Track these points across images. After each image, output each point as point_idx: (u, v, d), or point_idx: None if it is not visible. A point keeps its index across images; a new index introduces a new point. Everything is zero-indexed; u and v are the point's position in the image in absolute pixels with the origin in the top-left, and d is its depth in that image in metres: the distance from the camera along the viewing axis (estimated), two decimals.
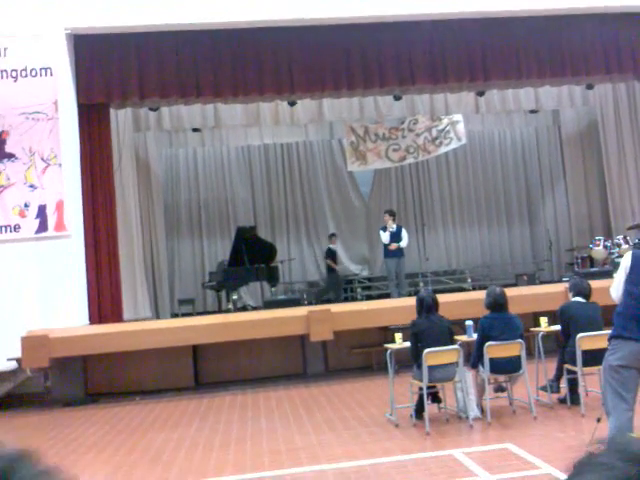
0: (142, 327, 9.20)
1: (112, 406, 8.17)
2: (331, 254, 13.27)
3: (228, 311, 11.26)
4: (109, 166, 10.41)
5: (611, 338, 4.06)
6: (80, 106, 9.93)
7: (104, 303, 9.96)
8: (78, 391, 8.56)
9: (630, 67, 11.08)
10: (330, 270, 13.24)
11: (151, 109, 11.56)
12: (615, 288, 4.18)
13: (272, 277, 12.00)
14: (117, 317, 10.00)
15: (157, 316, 12.14)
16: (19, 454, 0.63)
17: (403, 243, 11.39)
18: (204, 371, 9.14)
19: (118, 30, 9.71)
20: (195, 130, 13.14)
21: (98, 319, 9.68)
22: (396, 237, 11.37)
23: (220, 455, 5.62)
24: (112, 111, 10.79)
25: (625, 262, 4.14)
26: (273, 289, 12.47)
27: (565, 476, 0.56)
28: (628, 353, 3.89)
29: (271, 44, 10.22)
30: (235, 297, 11.63)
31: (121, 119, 11.47)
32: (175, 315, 12.72)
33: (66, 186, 9.48)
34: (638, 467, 0.47)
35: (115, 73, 9.94)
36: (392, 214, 11.69)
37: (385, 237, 11.35)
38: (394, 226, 11.45)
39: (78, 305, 9.41)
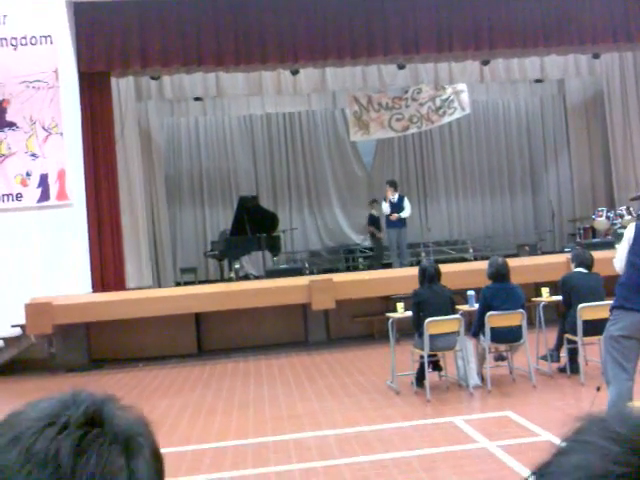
0: (145, 295, 9.26)
1: (115, 372, 8.27)
2: (373, 221, 13.23)
3: (230, 280, 11.31)
4: (111, 135, 10.36)
5: (613, 308, 4.08)
6: (81, 75, 9.84)
7: (107, 271, 10.00)
8: (82, 357, 8.66)
9: (638, 36, 10.93)
10: (373, 237, 13.27)
11: (153, 78, 11.45)
12: (618, 259, 4.18)
13: (274, 246, 12.02)
14: (120, 285, 10.05)
15: (159, 285, 12.19)
16: (105, 396, 0.68)
17: (405, 213, 11.40)
18: (207, 338, 9.23)
19: None
20: (197, 99, 13.03)
21: (101, 287, 9.73)
22: (397, 207, 11.37)
23: (223, 421, 5.70)
24: (114, 80, 10.70)
25: (628, 233, 4.12)
26: (275, 258, 12.50)
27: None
28: (629, 323, 3.91)
29: (274, 12, 10.09)
30: (237, 266, 11.66)
31: (123, 88, 11.38)
32: (178, 284, 12.77)
33: (68, 155, 9.45)
34: (621, 447, 0.46)
35: (116, 41, 9.83)
36: (393, 184, 11.68)
37: (385, 208, 11.40)
38: (395, 196, 11.45)
39: (81, 273, 9.45)
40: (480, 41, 10.64)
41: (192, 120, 14.55)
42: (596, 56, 12.25)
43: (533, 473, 0.53)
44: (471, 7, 10.41)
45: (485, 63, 12.17)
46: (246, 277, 12.36)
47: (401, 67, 11.92)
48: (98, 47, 9.83)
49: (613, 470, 0.45)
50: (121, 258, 10.36)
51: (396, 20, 10.36)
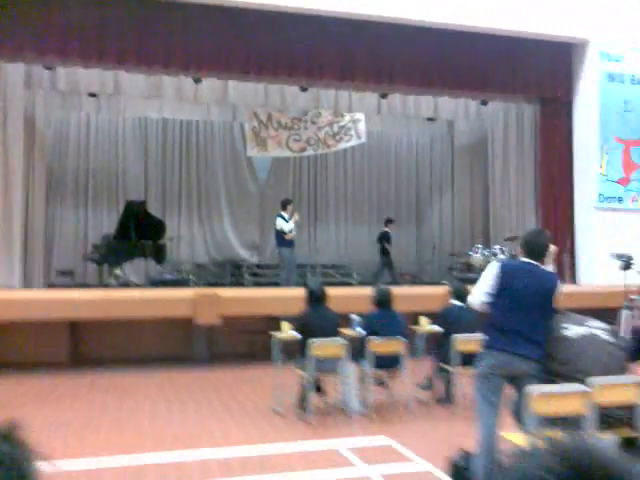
0: (14, 296, 8.67)
1: None
2: (387, 238, 13.46)
3: (109, 285, 10.85)
4: None
5: (483, 347, 4.22)
6: None
7: None
8: None
9: (521, 90, 11.83)
10: (385, 253, 13.35)
11: (46, 67, 10.84)
12: (476, 295, 4.24)
13: (159, 255, 11.69)
14: None
15: (26, 286, 11.37)
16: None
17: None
18: (82, 348, 8.75)
19: None
20: (91, 95, 12.46)
21: None
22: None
23: (96, 437, 5.43)
24: (2, 64, 10.02)
25: (491, 271, 4.19)
26: (159, 266, 12.16)
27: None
28: (496, 362, 4.08)
29: (182, 18, 9.90)
30: (118, 272, 11.23)
31: (10, 73, 10.67)
32: (52, 285, 12.04)
33: None
34: (557, 460, 0.54)
35: (10, 23, 9.22)
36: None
37: (287, 226, 11.35)
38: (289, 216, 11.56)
39: None
40: (381, 75, 11.05)
41: (84, 116, 13.90)
42: (484, 103, 13.10)
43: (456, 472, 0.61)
44: (376, 42, 10.78)
45: (383, 96, 12.63)
46: (127, 285, 11.91)
47: (303, 89, 12.10)
48: None
49: (547, 478, 0.53)
50: None
51: (302, 43, 10.52)
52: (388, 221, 13.96)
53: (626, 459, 0.56)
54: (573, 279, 11.84)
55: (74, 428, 5.64)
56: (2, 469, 0.67)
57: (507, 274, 4.14)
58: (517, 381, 4.11)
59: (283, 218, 11.43)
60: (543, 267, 4.27)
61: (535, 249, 4.22)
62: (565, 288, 10.76)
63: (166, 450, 5.08)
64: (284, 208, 11.59)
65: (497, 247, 12.09)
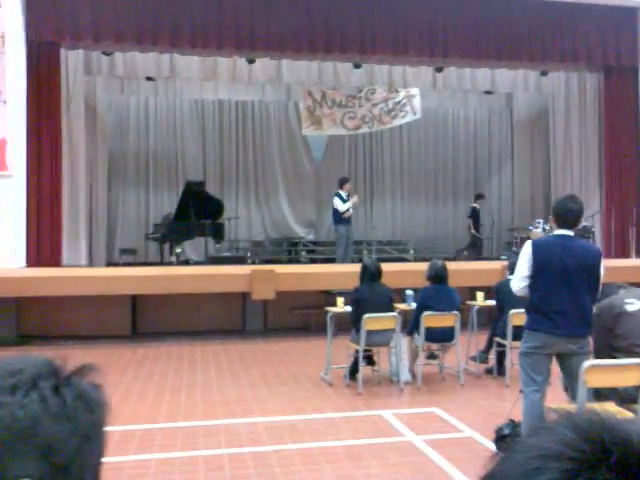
0: (80, 273, 9.07)
1: (43, 349, 8.05)
2: (475, 213, 13.34)
3: (171, 264, 11.19)
4: (57, 107, 10.08)
5: (525, 329, 4.11)
6: (30, 43, 9.53)
7: (43, 247, 9.74)
8: (9, 332, 8.39)
9: (583, 58, 11.39)
10: (475, 228, 13.34)
11: (104, 53, 11.17)
12: (518, 280, 4.07)
13: (217, 233, 11.94)
14: (55, 262, 9.80)
15: (91, 264, 11.84)
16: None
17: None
18: (142, 321, 9.10)
19: None
20: (149, 79, 12.77)
21: (36, 262, 9.47)
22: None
23: (154, 403, 5.67)
24: (64, 52, 10.40)
25: (527, 251, 4.02)
26: (217, 246, 12.43)
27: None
28: (540, 343, 3.99)
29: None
30: (179, 251, 11.54)
31: (72, 60, 11.06)
32: (116, 264, 12.50)
33: (10, 124, 9.14)
34: (577, 435, 0.53)
35: (69, 12, 9.55)
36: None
37: (343, 206, 11.35)
38: (347, 195, 11.57)
39: (16, 247, 9.18)
40: (435, 48, 10.86)
41: (142, 100, 14.27)
42: (544, 73, 12.69)
43: (499, 437, 0.60)
44: (428, 14, 10.61)
45: (439, 70, 12.41)
46: (187, 262, 12.25)
47: (357, 66, 12.03)
48: (49, 15, 9.54)
49: (565, 452, 0.52)
50: (59, 234, 10.09)
51: (354, 19, 10.46)
52: (478, 196, 13.69)
53: None
54: (639, 253, 11.42)
55: (135, 395, 5.90)
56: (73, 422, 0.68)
57: (541, 253, 3.97)
58: (565, 357, 4.04)
59: (340, 197, 11.43)
60: (582, 240, 4.11)
61: (568, 217, 3.99)
62: (631, 262, 10.48)
63: (218, 415, 5.26)
64: (341, 187, 11.59)
65: None
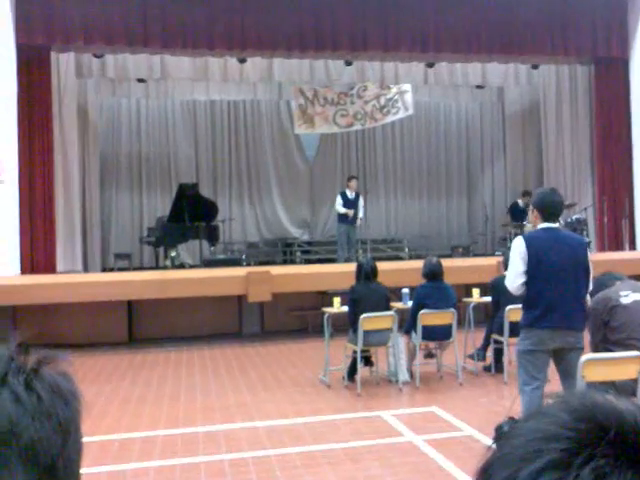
0: (76, 279, 9.03)
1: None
2: (516, 212, 12.36)
3: (165, 268, 11.15)
4: (48, 111, 10.02)
5: (522, 326, 4.07)
6: (19, 46, 9.46)
7: (37, 253, 9.69)
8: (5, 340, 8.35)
9: (574, 50, 11.39)
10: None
11: (95, 55, 11.12)
12: (513, 277, 3.97)
13: (212, 236, 11.91)
14: (50, 268, 9.76)
15: (86, 270, 11.82)
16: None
17: (361, 213, 11.56)
18: (139, 327, 9.07)
19: None
20: (140, 80, 12.72)
21: (30, 269, 9.42)
22: (353, 204, 11.47)
23: (153, 410, 5.65)
24: (54, 55, 10.34)
25: (519, 248, 3.95)
26: (212, 248, 12.39)
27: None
28: (538, 340, 3.96)
29: None
30: (173, 254, 11.50)
31: (63, 63, 11.00)
32: (110, 269, 12.47)
33: (1, 129, 9.08)
34: (571, 416, 0.54)
35: (58, 14, 9.49)
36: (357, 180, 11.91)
37: (340, 209, 11.38)
38: (353, 193, 11.59)
39: (10, 254, 9.13)
40: (426, 44, 10.85)
41: (134, 102, 14.21)
42: (535, 67, 12.70)
43: (498, 435, 0.61)
44: (418, 10, 10.59)
45: (430, 66, 12.41)
46: (182, 266, 12.21)
47: (348, 63, 12.01)
48: (38, 19, 9.47)
49: (562, 433, 0.53)
50: (52, 240, 10.04)
51: (345, 16, 10.44)
52: (524, 194, 12.73)
53: None
54: (633, 245, 11.45)
55: (134, 402, 5.89)
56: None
57: (535, 247, 3.94)
58: (564, 353, 4.03)
59: (344, 196, 11.48)
60: (568, 231, 4.12)
61: (552, 210, 3.99)
62: (625, 255, 10.51)
63: (217, 420, 5.25)
64: (347, 184, 11.69)
65: None
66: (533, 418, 0.57)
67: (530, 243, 3.95)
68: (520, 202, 12.47)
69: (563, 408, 0.55)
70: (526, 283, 3.95)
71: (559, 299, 3.93)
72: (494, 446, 0.58)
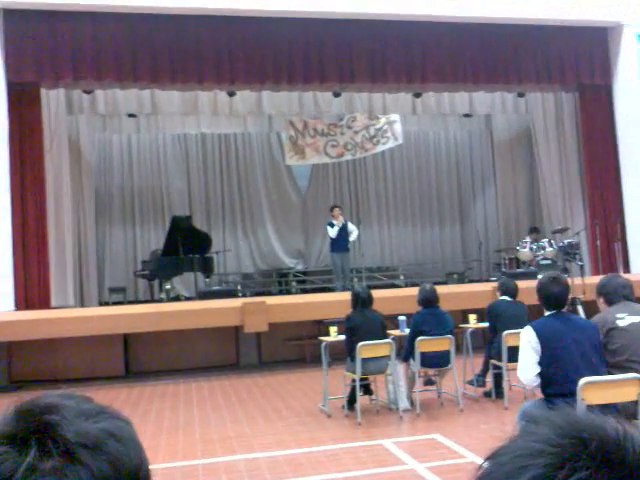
0: (71, 314, 8.97)
1: (37, 393, 7.93)
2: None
3: (161, 301, 11.11)
4: (40, 148, 10.06)
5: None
6: (9, 84, 9.55)
7: (31, 289, 9.63)
8: (1, 378, 8.26)
9: (558, 78, 11.61)
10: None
11: (85, 91, 11.22)
12: (525, 368, 3.76)
13: (207, 268, 11.90)
14: (44, 304, 9.70)
15: (82, 305, 11.77)
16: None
17: (353, 237, 11.57)
18: (135, 360, 9.00)
19: (51, 7, 9.39)
20: (131, 116, 12.82)
21: (24, 305, 9.36)
22: (343, 232, 11.49)
23: (152, 444, 5.57)
24: (44, 92, 10.43)
25: (528, 337, 3.74)
26: (207, 280, 12.37)
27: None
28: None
29: (211, 33, 10.12)
30: (168, 287, 11.47)
31: (53, 100, 11.08)
32: (106, 303, 12.40)
33: None
34: (556, 433, 0.56)
35: (47, 52, 9.59)
36: (340, 208, 11.93)
37: (333, 232, 11.41)
38: (340, 222, 11.62)
39: (3, 290, 9.07)
40: (412, 74, 11.03)
41: (125, 137, 14.29)
42: (521, 95, 12.91)
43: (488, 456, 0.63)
44: (404, 41, 10.78)
45: (417, 95, 12.59)
46: (177, 298, 12.17)
47: (337, 95, 12.16)
48: (28, 56, 9.57)
49: (546, 449, 0.55)
50: (46, 275, 9.99)
51: (333, 48, 10.61)
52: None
53: (625, 427, 0.57)
54: (627, 268, 11.52)
55: None
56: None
57: (545, 331, 3.75)
58: None
59: (331, 224, 11.50)
60: (576, 316, 3.93)
61: (555, 301, 3.82)
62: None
63: (217, 452, 5.19)
64: (331, 215, 11.71)
65: (545, 240, 11.86)
66: (520, 437, 0.59)
67: (539, 328, 3.76)
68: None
69: (548, 425, 0.58)
70: (544, 374, 3.73)
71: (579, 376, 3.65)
72: (484, 465, 0.60)
